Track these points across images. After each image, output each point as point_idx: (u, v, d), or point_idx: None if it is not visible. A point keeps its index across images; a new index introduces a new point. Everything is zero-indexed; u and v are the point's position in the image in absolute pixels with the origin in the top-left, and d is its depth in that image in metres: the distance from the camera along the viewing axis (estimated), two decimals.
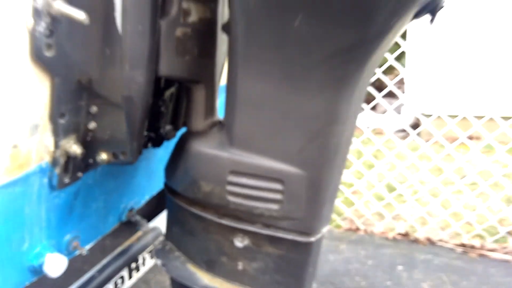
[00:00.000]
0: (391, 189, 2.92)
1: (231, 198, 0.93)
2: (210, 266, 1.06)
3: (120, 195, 1.31)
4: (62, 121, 0.89)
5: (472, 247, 2.21)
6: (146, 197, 1.45)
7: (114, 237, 1.32)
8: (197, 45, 0.87)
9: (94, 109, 0.91)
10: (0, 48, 0.77)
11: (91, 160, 0.97)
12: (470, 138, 3.70)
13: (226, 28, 0.86)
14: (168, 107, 1.04)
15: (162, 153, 1.13)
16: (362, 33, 0.69)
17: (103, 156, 0.95)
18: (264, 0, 0.70)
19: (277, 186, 0.88)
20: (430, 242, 2.31)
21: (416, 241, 2.33)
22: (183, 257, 1.12)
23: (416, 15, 0.78)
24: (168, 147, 1.16)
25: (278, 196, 0.89)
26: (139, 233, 1.47)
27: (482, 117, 2.59)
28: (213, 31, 0.90)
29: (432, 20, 0.81)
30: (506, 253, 2.15)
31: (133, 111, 0.87)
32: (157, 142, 1.07)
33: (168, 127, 1.07)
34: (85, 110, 0.92)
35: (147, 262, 1.48)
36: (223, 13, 0.93)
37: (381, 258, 2.19)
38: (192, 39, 0.86)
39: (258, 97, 0.83)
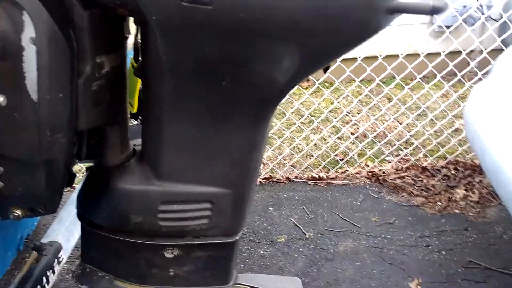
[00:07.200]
0: None
1: (163, 223, 1.00)
2: (141, 279, 1.13)
3: (15, 228, 1.21)
4: None
5: (320, 178, 2.71)
6: (35, 223, 1.37)
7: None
8: (110, 92, 0.86)
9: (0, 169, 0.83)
10: None
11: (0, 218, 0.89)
12: (308, 80, 4.26)
13: (140, 73, 0.86)
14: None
15: None
16: (277, 93, 0.83)
17: (17, 212, 0.89)
18: (195, 68, 0.75)
19: (207, 205, 0.99)
20: (289, 180, 2.74)
21: (278, 182, 2.73)
22: (108, 276, 1.15)
23: None
24: None
25: (207, 213, 1.01)
26: (35, 255, 1.40)
27: None
28: (123, 75, 0.89)
29: None
30: (344, 178, 2.72)
31: (56, 171, 0.83)
32: (70, 181, 1.02)
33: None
34: None
35: (51, 278, 1.43)
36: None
37: (254, 204, 2.52)
38: (106, 88, 0.84)
39: (185, 137, 0.89)
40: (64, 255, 1.46)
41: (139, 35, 0.86)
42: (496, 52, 2.27)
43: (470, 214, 2.39)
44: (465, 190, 2.55)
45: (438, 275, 1.99)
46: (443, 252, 2.13)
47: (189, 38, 0.73)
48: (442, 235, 2.24)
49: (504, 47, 2.20)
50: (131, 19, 0.86)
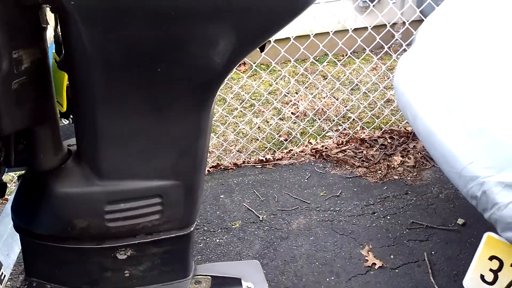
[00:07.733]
0: None
1: (111, 224, 0.95)
2: (94, 285, 1.08)
3: None
4: None
5: (267, 160, 2.73)
6: None
7: None
8: (34, 89, 0.78)
9: None
10: None
11: None
12: (244, 63, 4.24)
13: (65, 66, 0.79)
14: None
15: None
16: (216, 76, 0.81)
17: None
18: (125, 55, 0.70)
19: (156, 200, 0.96)
20: (237, 166, 2.73)
21: (226, 169, 2.71)
22: (58, 287, 1.08)
23: None
24: None
25: (158, 208, 0.97)
26: None
27: None
28: (46, 70, 0.81)
29: None
30: (290, 158, 2.76)
31: None
32: (1, 192, 0.93)
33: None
34: None
35: None
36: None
37: (205, 193, 2.49)
38: (29, 84, 0.76)
39: (123, 131, 0.84)
40: (5, 272, 1.36)
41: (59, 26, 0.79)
42: (417, 22, 2.40)
43: (409, 178, 2.54)
44: (402, 156, 2.70)
45: (386, 239, 2.10)
46: (388, 217, 2.25)
47: (114, 23, 0.68)
48: (385, 201, 2.36)
49: (423, 18, 2.32)
50: (48, 7, 0.79)
